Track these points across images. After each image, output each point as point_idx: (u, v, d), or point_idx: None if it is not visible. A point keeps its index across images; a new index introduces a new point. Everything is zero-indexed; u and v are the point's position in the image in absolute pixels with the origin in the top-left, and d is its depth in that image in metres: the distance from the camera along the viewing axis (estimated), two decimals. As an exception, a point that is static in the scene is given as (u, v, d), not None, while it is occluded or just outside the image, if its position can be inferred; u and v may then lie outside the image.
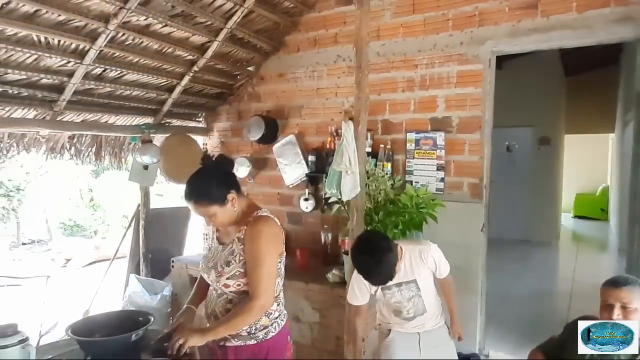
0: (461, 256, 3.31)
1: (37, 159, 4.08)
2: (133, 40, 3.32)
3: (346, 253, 2.99)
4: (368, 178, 3.01)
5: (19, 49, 2.87)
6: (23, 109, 3.33)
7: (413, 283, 2.19)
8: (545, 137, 7.47)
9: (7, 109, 3.24)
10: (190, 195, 1.73)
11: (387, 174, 3.30)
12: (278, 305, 1.82)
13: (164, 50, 3.59)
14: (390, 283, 2.10)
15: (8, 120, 3.30)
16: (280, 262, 1.81)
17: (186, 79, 3.96)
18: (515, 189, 7.30)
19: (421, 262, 2.19)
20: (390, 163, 3.54)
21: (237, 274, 1.72)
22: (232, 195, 1.74)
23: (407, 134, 3.57)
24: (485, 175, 3.32)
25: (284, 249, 1.84)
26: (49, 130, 3.59)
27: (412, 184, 3.44)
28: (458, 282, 3.29)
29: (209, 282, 1.84)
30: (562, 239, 8.15)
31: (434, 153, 3.44)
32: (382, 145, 3.57)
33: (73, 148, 4.03)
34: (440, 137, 3.41)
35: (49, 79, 3.23)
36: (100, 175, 11.25)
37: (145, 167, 4.11)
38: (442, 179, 3.43)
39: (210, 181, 1.74)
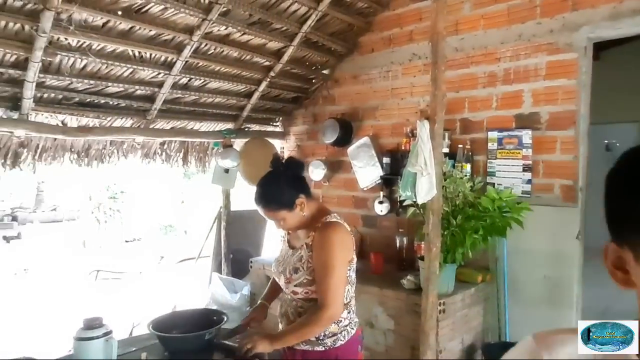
0: (552, 266, 3.02)
1: (134, 164, 4.47)
2: (215, 49, 3.51)
3: (421, 258, 2.86)
4: (445, 180, 2.86)
5: (117, 63, 3.17)
6: (121, 118, 3.68)
7: None
8: (653, 134, 6.56)
9: (108, 118, 3.60)
10: (259, 199, 1.74)
11: (466, 175, 3.11)
12: (349, 312, 1.77)
13: (242, 58, 3.74)
14: None
15: (110, 129, 3.66)
16: (350, 269, 1.76)
17: (263, 84, 4.09)
18: (619, 192, 6.47)
19: None
20: (469, 164, 3.33)
21: (304, 281, 1.70)
22: (301, 199, 1.73)
23: (489, 132, 3.33)
24: (581, 176, 2.98)
25: (354, 256, 1.79)
26: (143, 137, 3.92)
27: (494, 186, 3.19)
28: (548, 293, 3.03)
29: (280, 285, 1.85)
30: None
31: (519, 152, 3.17)
32: (460, 146, 3.38)
33: (164, 153, 4.35)
34: (526, 135, 3.14)
35: (142, 90, 3.53)
36: (191, 178, 12.11)
37: (226, 171, 4.30)
38: (529, 181, 3.14)
39: (279, 185, 1.74)
